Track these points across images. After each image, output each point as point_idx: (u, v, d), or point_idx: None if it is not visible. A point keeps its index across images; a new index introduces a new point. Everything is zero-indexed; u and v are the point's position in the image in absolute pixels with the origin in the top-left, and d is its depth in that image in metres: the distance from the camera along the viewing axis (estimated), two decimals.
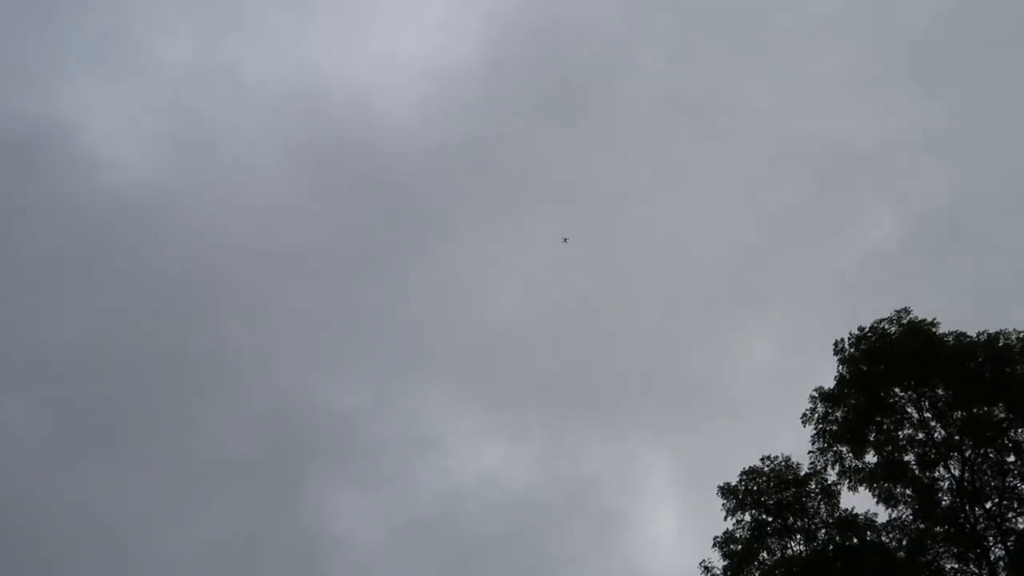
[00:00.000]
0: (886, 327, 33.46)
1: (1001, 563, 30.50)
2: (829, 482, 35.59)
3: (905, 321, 33.37)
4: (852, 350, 33.96)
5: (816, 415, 35.18)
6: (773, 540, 35.85)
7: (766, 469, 36.72)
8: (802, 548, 35.26)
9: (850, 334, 34.21)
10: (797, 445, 35.88)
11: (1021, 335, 32.01)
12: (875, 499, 33.54)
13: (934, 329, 33.06)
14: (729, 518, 36.73)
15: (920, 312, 33.42)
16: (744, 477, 36.84)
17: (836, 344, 34.41)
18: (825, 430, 34.84)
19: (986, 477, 31.59)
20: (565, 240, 48.35)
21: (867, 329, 33.83)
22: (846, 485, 34.53)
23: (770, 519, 36.01)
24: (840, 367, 34.40)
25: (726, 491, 36.93)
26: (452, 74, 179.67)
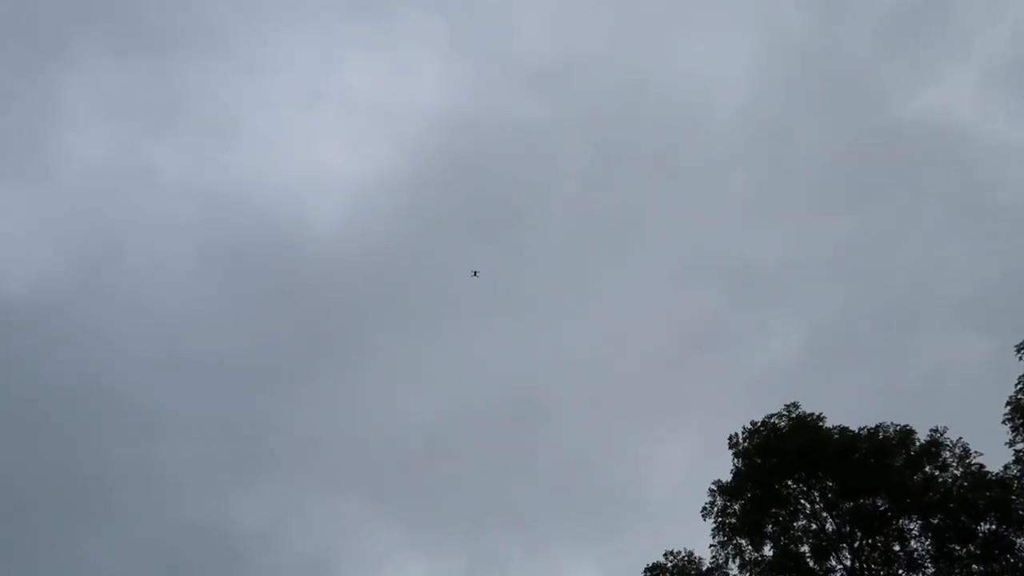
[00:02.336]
0: (776, 421, 34.99)
1: None
2: (730, 575, 36.15)
3: (794, 415, 34.99)
4: (746, 444, 35.24)
5: (715, 508, 35.97)
6: None
7: (669, 565, 36.96)
8: None
9: (743, 428, 35.57)
10: (704, 540, 36.57)
11: (899, 428, 34.01)
12: None
13: (820, 423, 34.77)
14: None
15: (825, 411, 35.05)
16: (647, 574, 36.98)
17: (731, 438, 35.67)
18: (724, 523, 35.59)
19: (874, 567, 32.74)
20: (475, 274, 49.26)
21: (759, 423, 35.26)
22: None
23: None
24: (735, 460, 35.54)
25: None
26: (376, 185, 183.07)
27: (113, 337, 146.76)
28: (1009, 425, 29.91)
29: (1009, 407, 29.87)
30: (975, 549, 30.71)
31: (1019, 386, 29.68)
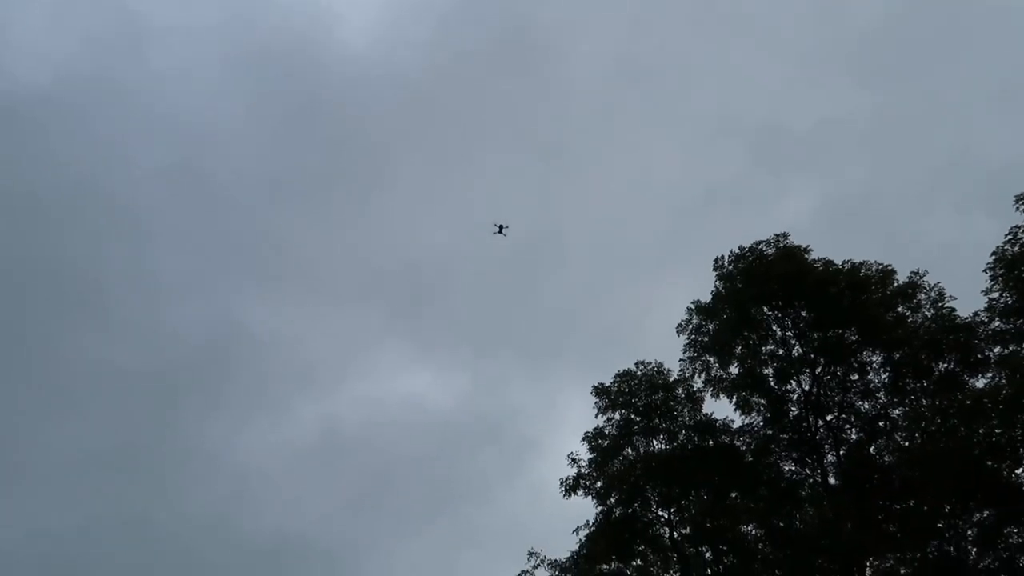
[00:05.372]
0: (764, 248, 35.37)
1: (832, 468, 33.79)
2: (695, 389, 38.16)
3: (782, 245, 35.34)
4: (731, 267, 35.82)
5: (690, 326, 37.26)
6: (638, 438, 38.39)
7: (639, 373, 38.90)
8: (664, 446, 37.98)
9: (731, 252, 36.02)
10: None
11: (880, 267, 34.51)
12: (733, 407, 36.17)
13: (806, 255, 35.18)
14: (600, 416, 38.99)
15: None
16: (618, 379, 38.94)
17: (717, 260, 36.19)
18: (697, 340, 37.02)
19: (831, 393, 34.51)
20: (501, 230, 46.57)
21: (747, 248, 35.66)
22: (709, 392, 37.12)
23: (638, 419, 38.43)
24: (717, 283, 36.31)
25: (600, 391, 39.01)
26: (408, 11, 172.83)
27: (123, 141, 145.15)
28: (989, 274, 30.21)
29: (993, 256, 30.04)
30: (928, 385, 32.23)
31: (1008, 237, 29.73)
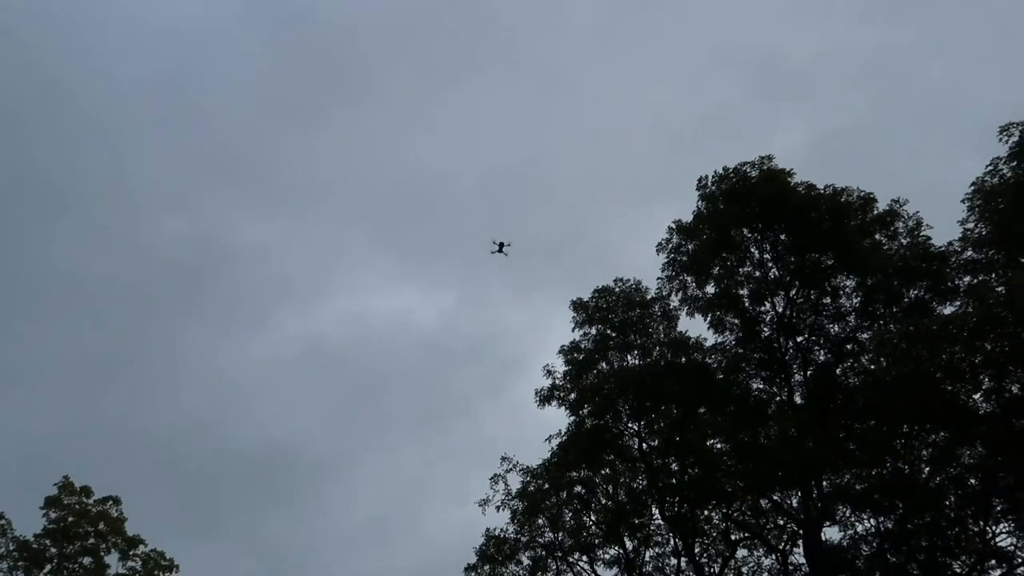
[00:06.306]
0: (748, 170, 35.33)
1: (799, 387, 34.83)
2: (671, 307, 38.82)
3: (766, 167, 35.31)
4: (713, 188, 35.85)
5: (670, 245, 37.53)
6: (613, 353, 39.26)
7: (617, 289, 39.43)
8: (637, 362, 38.88)
9: (715, 172, 35.97)
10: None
11: (861, 194, 34.69)
12: (707, 326, 36.85)
13: (789, 179, 35.21)
14: (577, 330, 39.72)
15: None
16: (596, 295, 39.47)
17: (700, 180, 36.15)
18: (676, 260, 37.36)
19: (803, 315, 35.22)
20: (500, 248, 44.97)
21: (731, 169, 35.61)
22: (685, 311, 37.68)
23: (613, 334, 39.20)
24: (699, 203, 36.39)
25: (577, 306, 39.60)
26: None
27: (105, 50, 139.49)
28: (967, 204, 30.50)
29: (973, 187, 30.28)
30: (898, 312, 32.96)
31: (989, 168, 29.91)
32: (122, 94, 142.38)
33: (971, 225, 30.60)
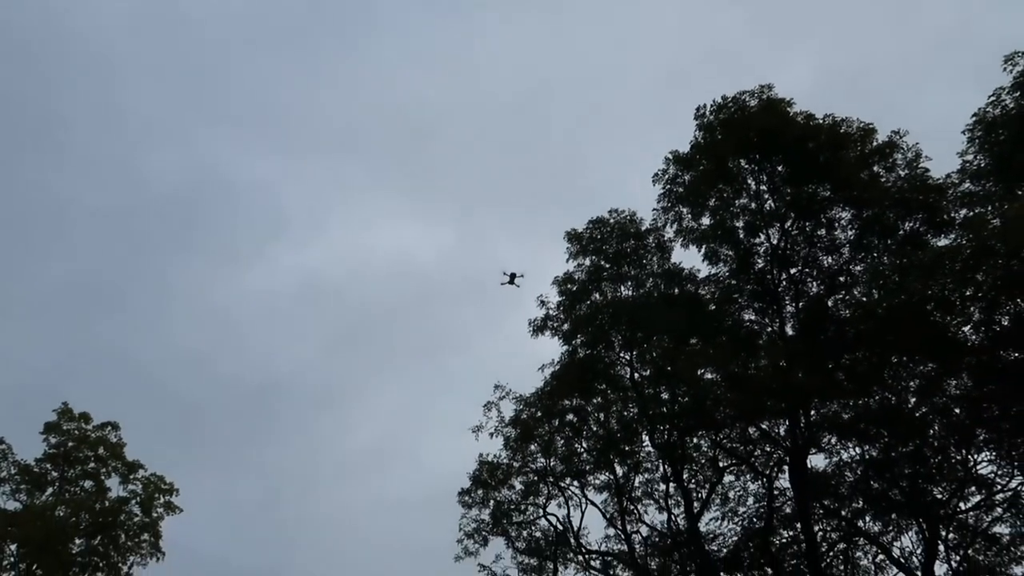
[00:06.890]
0: (747, 99, 34.72)
1: (791, 319, 35.06)
2: (666, 238, 38.76)
3: (765, 96, 34.69)
4: (712, 117, 35.29)
5: (667, 176, 37.13)
6: (607, 284, 39.39)
7: (612, 221, 39.26)
8: (631, 293, 39.05)
9: (713, 101, 35.34)
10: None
11: (861, 125, 34.17)
12: (701, 257, 36.80)
13: (788, 108, 34.65)
14: (571, 261, 39.74)
15: None
16: (590, 226, 39.32)
17: (698, 109, 35.54)
18: (672, 191, 37.03)
19: (797, 247, 35.17)
20: (512, 280, 43.37)
21: (730, 99, 34.98)
22: (680, 242, 37.57)
23: (607, 265, 39.23)
24: (697, 133, 35.88)
25: (572, 236, 39.48)
26: None
27: None
28: (967, 136, 30.11)
29: (974, 118, 29.83)
30: (892, 244, 32.91)
31: (992, 99, 29.41)
32: (115, 23, 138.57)
33: (970, 157, 30.23)
